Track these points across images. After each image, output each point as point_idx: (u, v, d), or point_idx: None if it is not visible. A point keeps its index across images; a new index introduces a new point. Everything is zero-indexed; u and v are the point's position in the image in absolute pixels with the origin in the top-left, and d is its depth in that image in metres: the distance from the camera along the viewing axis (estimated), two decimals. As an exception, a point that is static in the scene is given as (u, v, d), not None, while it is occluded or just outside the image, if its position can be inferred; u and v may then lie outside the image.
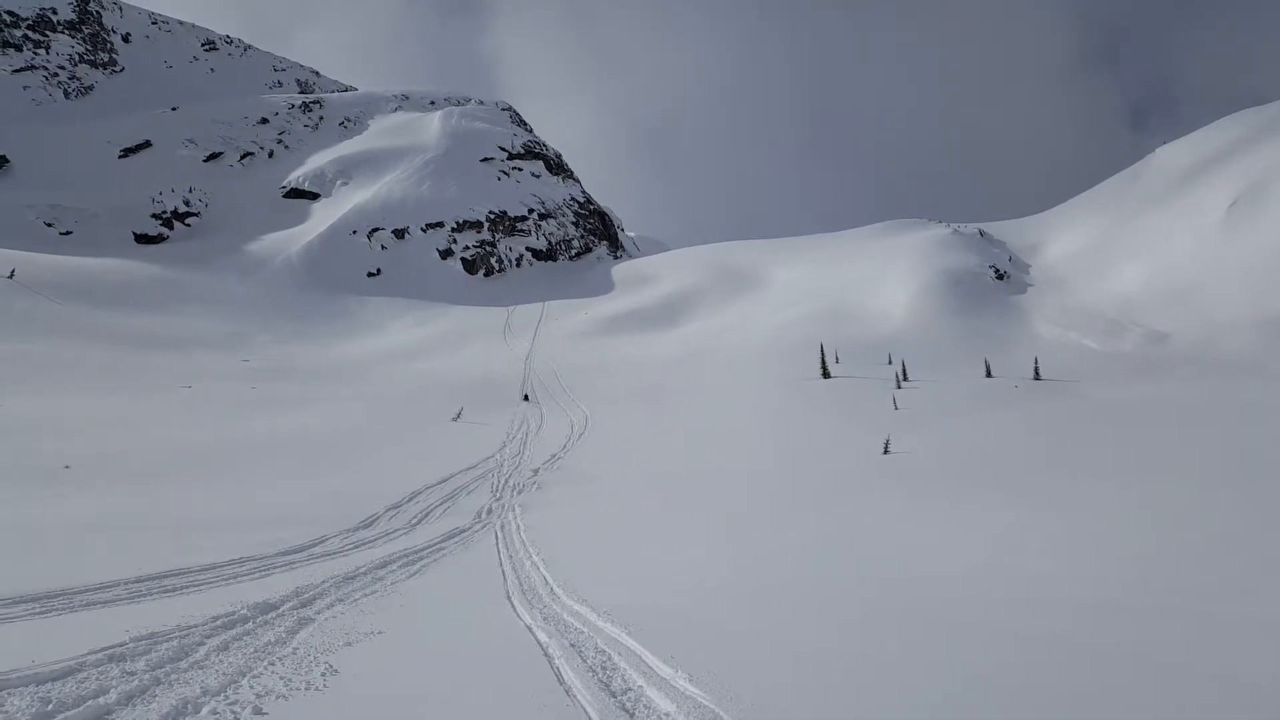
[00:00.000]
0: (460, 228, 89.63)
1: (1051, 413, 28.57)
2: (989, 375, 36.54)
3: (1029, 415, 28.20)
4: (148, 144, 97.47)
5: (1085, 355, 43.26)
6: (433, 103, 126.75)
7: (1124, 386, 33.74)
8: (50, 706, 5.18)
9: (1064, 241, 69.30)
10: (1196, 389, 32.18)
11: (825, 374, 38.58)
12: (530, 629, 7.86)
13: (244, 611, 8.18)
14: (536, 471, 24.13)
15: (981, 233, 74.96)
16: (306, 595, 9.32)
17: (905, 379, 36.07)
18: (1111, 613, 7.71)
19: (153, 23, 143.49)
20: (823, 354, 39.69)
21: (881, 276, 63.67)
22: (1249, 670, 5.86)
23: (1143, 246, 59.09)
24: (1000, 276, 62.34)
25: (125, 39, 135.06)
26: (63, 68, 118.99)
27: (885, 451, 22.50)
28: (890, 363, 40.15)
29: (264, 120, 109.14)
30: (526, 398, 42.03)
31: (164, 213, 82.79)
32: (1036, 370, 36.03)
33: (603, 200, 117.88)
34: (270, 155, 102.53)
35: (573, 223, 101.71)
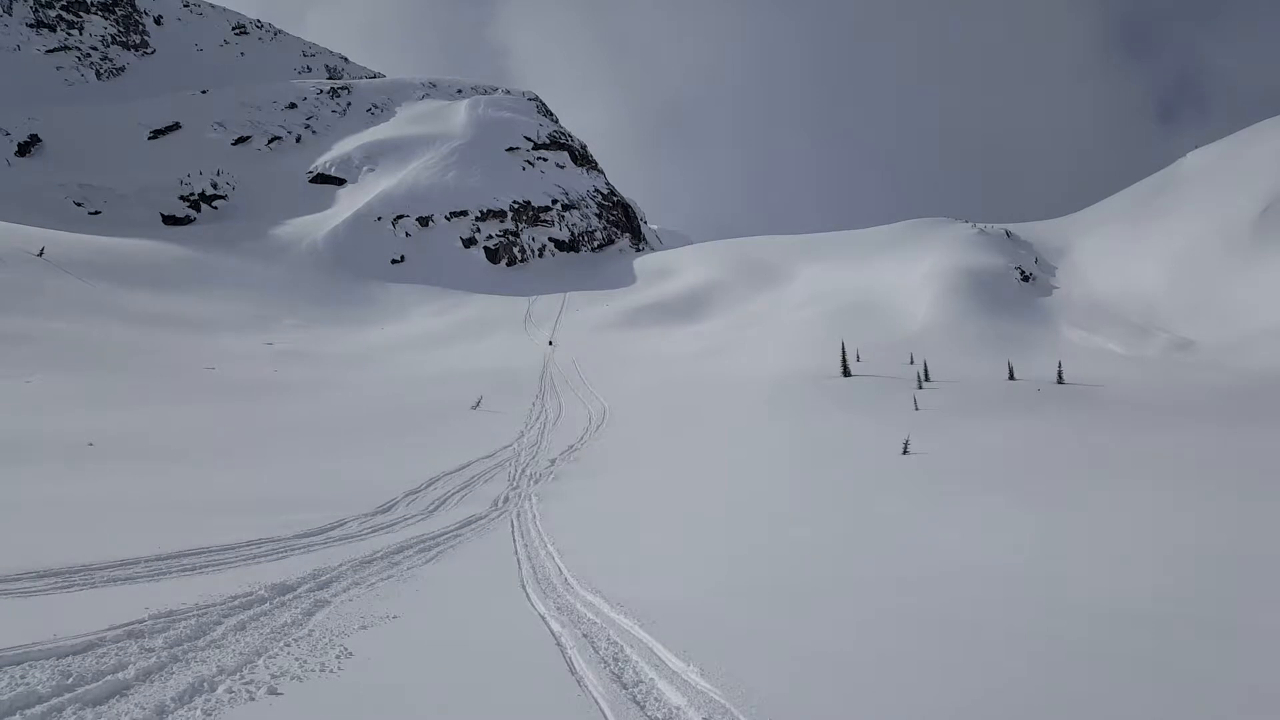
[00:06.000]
0: (484, 217, 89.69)
1: (1073, 416, 28.32)
2: (1012, 377, 36.23)
3: (1051, 418, 27.97)
4: (177, 126, 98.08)
5: (1109, 360, 42.85)
6: (460, 91, 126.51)
7: (1147, 392, 33.40)
8: (70, 680, 5.26)
9: (1091, 245, 68.54)
10: (1220, 397, 31.83)
11: (846, 372, 38.39)
12: (544, 618, 7.89)
13: (261, 592, 8.26)
14: (554, 461, 24.19)
15: (1008, 233, 74.26)
16: (324, 578, 9.40)
17: (927, 379, 35.81)
18: (1132, 621, 7.63)
19: (184, 5, 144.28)
20: (844, 352, 39.47)
21: (905, 275, 63.19)
22: (1272, 682, 5.79)
23: (1170, 252, 58.37)
24: (1026, 278, 61.76)
25: (157, 21, 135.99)
26: (95, 49, 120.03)
27: (905, 452, 22.37)
28: (912, 362, 39.87)
29: (292, 105, 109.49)
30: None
31: (192, 195, 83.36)
32: (1060, 373, 35.71)
33: (626, 192, 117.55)
34: (298, 140, 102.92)
35: (596, 214, 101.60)
